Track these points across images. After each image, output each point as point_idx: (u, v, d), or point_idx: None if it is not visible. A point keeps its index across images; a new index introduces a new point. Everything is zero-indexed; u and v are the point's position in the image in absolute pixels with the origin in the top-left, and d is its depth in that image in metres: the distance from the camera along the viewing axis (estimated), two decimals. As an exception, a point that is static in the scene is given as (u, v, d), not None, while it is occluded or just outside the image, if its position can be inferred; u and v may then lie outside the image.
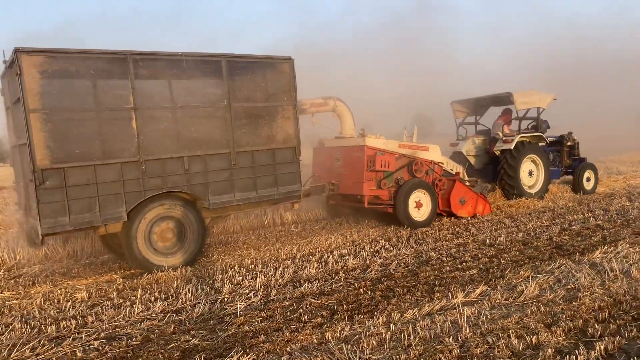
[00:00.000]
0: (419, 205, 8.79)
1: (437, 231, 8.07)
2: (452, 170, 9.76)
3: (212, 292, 5.46)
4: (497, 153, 11.09)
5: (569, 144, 12.27)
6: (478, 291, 4.94)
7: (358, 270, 6.06)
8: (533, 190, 10.91)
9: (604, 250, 6.15)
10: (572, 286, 4.95)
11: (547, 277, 5.28)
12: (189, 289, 5.50)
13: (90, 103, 5.98)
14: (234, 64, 6.86)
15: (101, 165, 5.92)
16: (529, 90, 11.07)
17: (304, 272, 6.06)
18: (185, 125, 6.50)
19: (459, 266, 6.01)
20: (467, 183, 9.70)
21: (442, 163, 9.50)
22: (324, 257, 6.73)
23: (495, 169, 11.04)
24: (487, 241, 7.19)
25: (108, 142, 5.99)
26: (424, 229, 8.36)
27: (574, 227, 7.77)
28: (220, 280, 5.79)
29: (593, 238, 6.99)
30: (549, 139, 11.72)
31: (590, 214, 8.76)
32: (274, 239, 8.20)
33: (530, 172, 11.05)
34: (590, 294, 4.71)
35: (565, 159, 12.19)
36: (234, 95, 6.84)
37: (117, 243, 7.15)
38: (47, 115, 5.63)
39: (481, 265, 5.98)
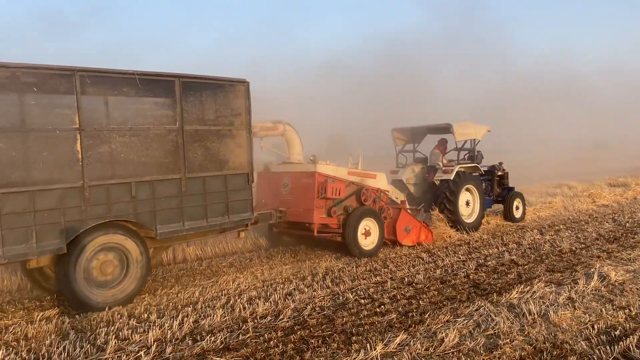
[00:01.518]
0: (367, 234, 8.95)
1: (354, 268, 7.95)
2: (397, 198, 10.03)
3: (94, 350, 4.84)
4: (437, 182, 11.47)
5: (499, 173, 12.97)
6: (398, 340, 4.80)
7: (269, 318, 5.71)
8: (470, 220, 11.35)
9: (520, 289, 6.32)
10: (492, 332, 4.98)
11: (466, 321, 5.28)
12: (64, 348, 4.83)
13: (31, 122, 5.70)
14: (188, 84, 6.76)
15: (40, 192, 5.59)
16: (465, 122, 11.69)
17: (207, 321, 5.60)
18: (134, 149, 6.32)
19: (378, 310, 5.87)
20: (410, 211, 9.97)
21: (388, 191, 9.79)
22: (231, 301, 6.31)
23: (432, 198, 11.38)
24: (406, 279, 7.17)
25: (48, 165, 5.70)
26: (340, 265, 8.21)
27: (489, 262, 8.01)
28: (105, 335, 5.17)
29: (509, 275, 7.20)
30: (483, 169, 12.33)
31: (504, 248, 9.11)
32: (173, 280, 7.62)
33: (467, 202, 11.50)
34: (510, 341, 4.75)
35: (495, 188, 12.83)
36: (187, 117, 6.72)
37: (43, 277, 6.89)
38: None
39: (400, 308, 5.89)
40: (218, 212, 7.11)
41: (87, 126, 5.92)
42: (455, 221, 10.99)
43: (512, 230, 11.06)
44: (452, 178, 11.12)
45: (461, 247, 9.36)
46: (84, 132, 5.88)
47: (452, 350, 4.58)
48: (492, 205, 12.89)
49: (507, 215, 12.43)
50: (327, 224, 8.78)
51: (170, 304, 6.33)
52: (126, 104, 6.47)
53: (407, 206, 10.23)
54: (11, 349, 4.90)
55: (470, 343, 4.71)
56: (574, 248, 8.85)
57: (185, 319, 5.65)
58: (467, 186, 11.38)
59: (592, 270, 7.05)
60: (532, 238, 9.93)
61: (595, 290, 6.22)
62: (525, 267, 7.68)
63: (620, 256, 8.08)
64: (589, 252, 8.48)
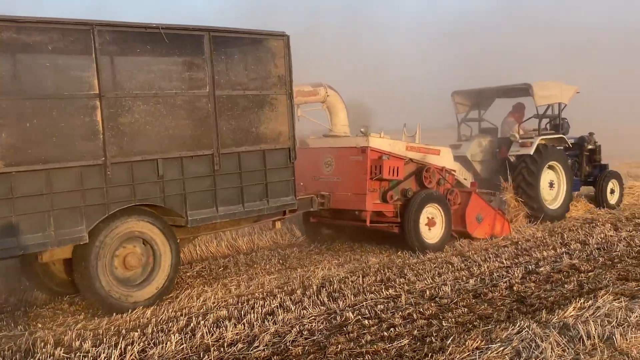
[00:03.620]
0: (431, 224, 9.20)
1: (360, 278, 7.83)
2: (465, 179, 10.49)
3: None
4: (512, 159, 11.50)
5: (589, 147, 12.98)
6: (406, 376, 4.68)
7: (240, 345, 5.62)
8: (554, 206, 11.59)
9: (579, 305, 6.16)
10: (536, 363, 4.83)
11: (502, 348, 5.14)
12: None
13: (42, 88, 6.03)
14: (219, 40, 7.10)
15: (57, 170, 5.96)
16: (549, 81, 11.81)
17: (157, 350, 5.52)
18: (160, 119, 6.66)
19: (385, 333, 5.75)
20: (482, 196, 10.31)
21: (455, 170, 10.13)
22: (192, 324, 6.23)
23: (504, 178, 11.45)
24: (427, 292, 7.05)
25: (65, 139, 6.05)
26: (342, 274, 8.09)
27: (541, 269, 7.87)
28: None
29: (566, 286, 7.07)
30: (570, 141, 12.38)
31: (564, 249, 8.97)
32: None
33: (551, 183, 11.63)
34: (559, 374, 4.60)
35: (585, 166, 12.89)
36: (219, 80, 7.05)
37: (48, 273, 7.27)
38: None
39: (415, 332, 5.77)
40: (256, 196, 7.48)
41: (107, 92, 6.24)
42: (536, 207, 11.10)
43: (576, 226, 10.87)
44: (531, 153, 11.13)
45: (506, 249, 9.22)
46: (105, 99, 6.20)
47: (478, 389, 4.45)
48: (581, 187, 12.95)
49: (600, 200, 12.56)
50: (382, 211, 9.03)
51: (112, 328, 6.27)
52: (150, 64, 6.85)
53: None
54: None
55: (505, 378, 4.57)
56: (657, 248, 8.69)
57: (129, 347, 5.57)
58: (551, 163, 11.49)
59: (679, 278, 6.88)
60: (602, 235, 9.80)
61: (681, 304, 6.05)
62: (590, 274, 7.54)
63: None
64: (677, 254, 8.32)
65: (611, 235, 9.76)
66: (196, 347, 5.63)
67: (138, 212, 6.66)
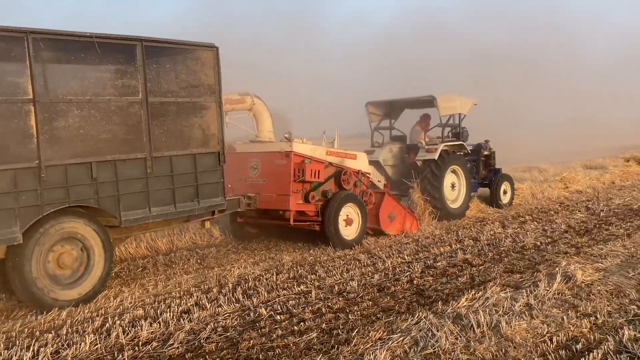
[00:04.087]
0: (349, 222, 9.40)
1: (274, 275, 7.71)
2: (379, 181, 10.69)
3: None
4: (419, 163, 11.77)
5: (485, 153, 13.47)
6: (314, 367, 4.61)
7: (154, 344, 5.38)
8: (455, 205, 11.95)
9: (470, 296, 6.30)
10: (431, 350, 4.88)
11: (402, 338, 5.16)
12: None
13: None
14: (151, 49, 7.02)
15: None
16: (450, 94, 12.16)
17: (71, 351, 5.19)
18: (94, 123, 6.55)
19: (296, 328, 5.67)
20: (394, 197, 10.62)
21: (370, 173, 10.34)
22: (107, 324, 5.92)
23: (411, 181, 11.70)
24: (336, 287, 7.02)
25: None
26: (257, 272, 7.94)
27: (439, 263, 8.00)
28: None
29: (460, 279, 7.20)
30: (469, 148, 12.73)
31: (458, 245, 9.17)
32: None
33: (453, 185, 11.98)
34: (452, 361, 4.65)
35: (481, 169, 13.33)
36: (151, 87, 6.98)
37: None
38: None
39: (324, 325, 5.71)
40: (187, 197, 7.42)
41: (41, 97, 6.09)
42: (440, 207, 11.39)
43: (469, 224, 11.17)
44: (436, 158, 11.41)
45: (408, 246, 9.33)
46: (39, 104, 6.03)
47: (380, 377, 4.44)
48: (478, 189, 13.39)
49: (494, 200, 12.99)
50: (304, 210, 9.11)
51: (26, 330, 5.86)
52: (85, 72, 6.70)
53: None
54: None
55: (404, 366, 4.58)
56: (538, 243, 9.03)
57: (43, 349, 5.22)
58: (452, 167, 11.85)
59: (557, 269, 7.14)
60: (492, 232, 10.08)
61: (558, 294, 6.27)
62: (480, 268, 7.73)
63: (591, 252, 8.28)
64: (555, 248, 8.67)
65: (499, 232, 10.07)
66: (110, 347, 5.34)
67: (72, 213, 6.50)
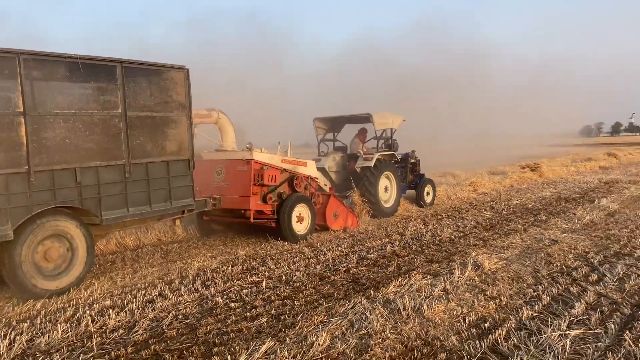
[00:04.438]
0: (301, 219, 9.49)
1: (229, 267, 7.51)
2: (325, 185, 10.79)
3: None
4: (358, 170, 12.02)
5: (412, 161, 13.89)
6: (264, 349, 4.47)
7: (121, 331, 5.12)
8: (388, 205, 12.18)
9: (398, 283, 6.30)
10: (365, 331, 4.83)
11: (340, 321, 5.09)
12: None
13: None
14: (130, 70, 6.95)
15: None
16: (384, 112, 12.47)
17: (44, 339, 4.89)
18: (78, 134, 6.45)
19: (248, 314, 5.51)
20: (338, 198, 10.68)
21: (318, 178, 10.45)
22: (78, 313, 5.61)
23: (351, 185, 11.99)
24: (284, 277, 6.89)
25: None
26: (215, 265, 7.73)
27: (371, 255, 7.98)
28: None
29: (389, 268, 7.20)
30: (398, 156, 13.17)
31: (387, 239, 9.19)
32: (10, 292, 6.65)
33: (386, 188, 12.25)
34: (382, 340, 4.62)
35: (409, 175, 13.71)
36: (129, 103, 6.90)
37: None
38: None
39: (273, 311, 5.58)
40: (161, 198, 7.37)
41: (31, 111, 5.97)
42: (375, 206, 11.66)
43: (396, 221, 11.25)
44: (372, 165, 11.70)
45: (345, 240, 9.30)
46: (29, 117, 5.94)
47: (321, 356, 4.35)
48: (406, 191, 13.68)
49: (419, 200, 13.44)
50: (263, 209, 9.16)
51: (3, 320, 5.50)
52: (70, 88, 6.55)
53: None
54: None
55: (341, 346, 4.51)
56: (453, 237, 9.15)
57: (18, 337, 4.89)
58: (385, 173, 12.10)
59: (468, 259, 7.25)
60: (415, 228, 10.16)
61: (470, 280, 6.36)
62: (406, 258, 7.75)
63: (495, 244, 8.46)
64: (466, 241, 8.81)
65: (421, 228, 10.18)
66: (81, 335, 5.06)
67: (58, 212, 6.39)
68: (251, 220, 9.03)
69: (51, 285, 6.33)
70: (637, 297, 5.56)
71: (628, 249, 7.75)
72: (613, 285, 6.00)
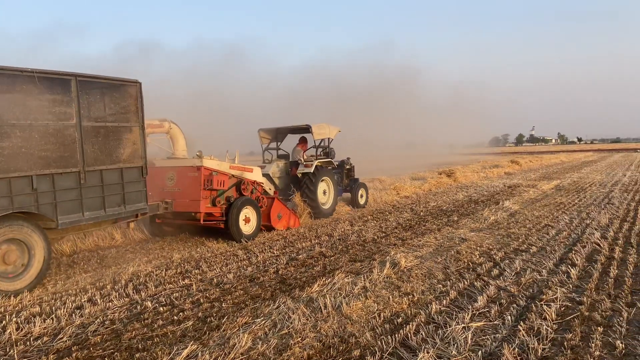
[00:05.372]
0: (247, 220, 9.44)
1: (163, 272, 7.08)
2: (270, 189, 10.74)
3: None
4: (299, 175, 12.11)
5: (347, 167, 14.09)
6: (186, 352, 4.15)
7: (45, 338, 4.65)
8: (327, 207, 12.29)
9: (322, 282, 6.12)
10: (286, 331, 4.61)
11: (264, 321, 4.84)
12: None
13: None
14: (84, 83, 6.77)
15: None
16: (322, 123, 12.66)
17: (-40, 351, 4.34)
18: (35, 143, 6.23)
19: (175, 317, 5.15)
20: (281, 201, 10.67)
21: (263, 183, 10.40)
22: (4, 322, 5.06)
23: (293, 189, 12.04)
24: (215, 280, 6.56)
25: None
26: (149, 269, 7.26)
27: (300, 256, 7.78)
28: None
29: (315, 268, 7.02)
30: (335, 163, 13.34)
31: (317, 241, 9.03)
32: None
33: (324, 191, 12.41)
34: (301, 339, 4.41)
35: (345, 179, 13.88)
36: (84, 114, 6.74)
37: None
38: None
39: (200, 314, 5.25)
40: (115, 203, 7.23)
41: None
42: (315, 208, 11.78)
43: (326, 223, 11.13)
44: (312, 171, 11.85)
45: (278, 242, 9.05)
46: None
47: (241, 357, 4.09)
48: (343, 193, 13.92)
49: (354, 202, 13.57)
50: (212, 212, 9.08)
51: None
52: (26, 100, 6.23)
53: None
54: None
55: (262, 347, 4.26)
56: (376, 237, 9.11)
57: None
58: (323, 178, 12.25)
59: (387, 258, 7.19)
60: (342, 229, 10.06)
61: (387, 277, 6.28)
62: (332, 258, 7.60)
63: (412, 243, 8.48)
64: (387, 241, 8.78)
65: (348, 229, 10.08)
66: (4, 343, 4.55)
67: (15, 218, 6.17)
68: (201, 222, 8.96)
69: (9, 287, 6.08)
70: (531, 290, 5.67)
71: (525, 245, 7.98)
72: (511, 279, 6.10)
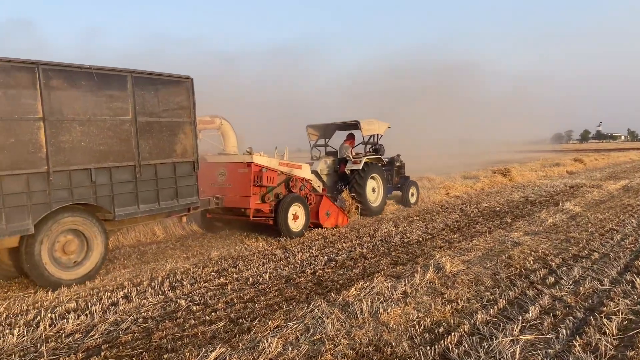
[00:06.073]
0: (296, 218, 9.56)
1: (200, 269, 7.14)
2: (318, 186, 10.93)
3: None
4: (348, 172, 12.11)
5: (397, 164, 13.99)
6: (213, 355, 4.11)
7: (77, 335, 4.74)
8: (375, 205, 12.21)
9: (360, 285, 5.94)
10: (319, 337, 4.47)
11: (296, 325, 4.73)
12: None
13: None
14: (139, 79, 7.03)
15: (8, 176, 5.73)
16: (370, 119, 12.65)
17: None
18: (93, 137, 6.54)
19: (207, 317, 5.14)
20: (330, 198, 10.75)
21: (312, 180, 10.56)
22: (39, 317, 5.21)
23: (342, 187, 12.08)
24: (250, 279, 6.53)
25: (15, 151, 5.79)
26: (187, 266, 7.34)
27: (339, 257, 7.63)
28: None
29: (354, 270, 6.85)
30: (385, 160, 13.20)
31: (358, 241, 8.85)
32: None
33: (373, 189, 12.39)
34: (334, 346, 4.27)
35: (395, 177, 13.75)
36: (139, 109, 7.01)
37: None
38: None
39: (233, 314, 5.21)
40: (168, 196, 7.49)
41: (50, 116, 6.06)
42: (364, 206, 11.75)
43: (369, 224, 10.91)
44: (360, 168, 11.79)
45: (317, 242, 8.94)
46: (48, 122, 6.03)
47: (270, 363, 3.99)
48: (392, 192, 13.75)
49: (404, 200, 13.45)
50: (261, 208, 9.23)
51: (-39, 325, 5.08)
52: (85, 96, 6.57)
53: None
54: None
55: (292, 352, 4.15)
56: (420, 239, 8.82)
57: (-28, 342, 4.50)
58: (372, 175, 12.21)
59: (431, 261, 6.91)
60: (385, 230, 9.82)
61: (430, 282, 6.02)
62: (372, 260, 7.40)
63: (460, 246, 8.13)
64: (433, 243, 8.47)
65: (392, 230, 9.83)
66: (35, 339, 4.68)
67: (75, 209, 6.51)
68: (251, 218, 9.14)
69: (69, 276, 6.42)
70: (590, 301, 5.25)
71: (586, 251, 7.46)
72: (568, 288, 5.69)
